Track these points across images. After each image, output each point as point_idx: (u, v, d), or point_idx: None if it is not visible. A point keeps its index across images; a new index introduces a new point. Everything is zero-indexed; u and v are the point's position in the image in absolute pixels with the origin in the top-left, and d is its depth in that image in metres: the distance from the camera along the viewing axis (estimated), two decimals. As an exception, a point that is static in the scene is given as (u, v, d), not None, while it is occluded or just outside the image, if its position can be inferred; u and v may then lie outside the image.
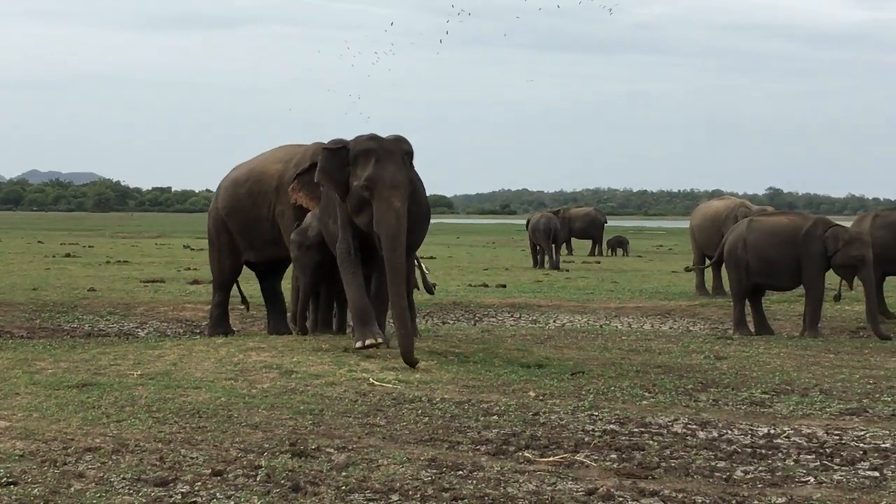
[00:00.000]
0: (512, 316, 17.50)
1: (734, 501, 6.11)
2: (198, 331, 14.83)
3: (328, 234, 11.80)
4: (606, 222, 40.99)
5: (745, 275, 15.11)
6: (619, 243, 41.52)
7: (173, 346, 11.73)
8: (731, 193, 34.06)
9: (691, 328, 16.32)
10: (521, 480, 6.47)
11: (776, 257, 14.89)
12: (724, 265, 15.99)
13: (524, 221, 33.20)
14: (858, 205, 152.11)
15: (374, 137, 11.07)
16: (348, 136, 12.45)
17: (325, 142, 12.92)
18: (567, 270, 29.15)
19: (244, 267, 14.10)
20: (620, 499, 6.14)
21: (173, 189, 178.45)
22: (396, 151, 10.99)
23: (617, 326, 16.26)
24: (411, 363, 10.35)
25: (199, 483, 6.25)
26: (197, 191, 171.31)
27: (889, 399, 9.64)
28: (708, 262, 22.00)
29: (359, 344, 10.89)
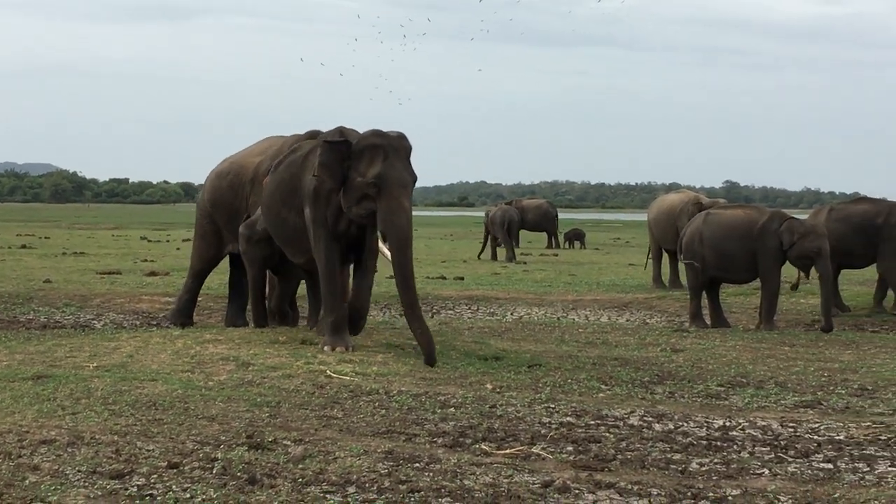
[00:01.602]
0: (469, 308, 17.50)
1: (689, 493, 6.14)
2: (154, 322, 14.78)
3: (281, 226, 11.64)
4: (557, 215, 41.01)
5: (701, 268, 15.16)
6: (576, 236, 41.61)
7: (130, 337, 11.68)
8: (688, 186, 34.32)
9: (648, 321, 16.37)
10: (477, 473, 6.48)
11: (732, 251, 14.94)
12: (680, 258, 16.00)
13: (483, 213, 33.17)
14: (814, 198, 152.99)
15: (380, 133, 10.94)
16: (312, 127, 12.59)
17: (302, 133, 12.97)
18: (525, 263, 29.19)
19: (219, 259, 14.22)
20: (577, 491, 6.16)
21: (130, 180, 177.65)
22: (402, 149, 10.93)
23: (574, 319, 16.29)
24: (432, 363, 10.38)
25: (156, 476, 6.23)
26: (154, 182, 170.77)
27: (843, 392, 9.71)
28: (665, 254, 22.12)
29: (327, 349, 10.81)
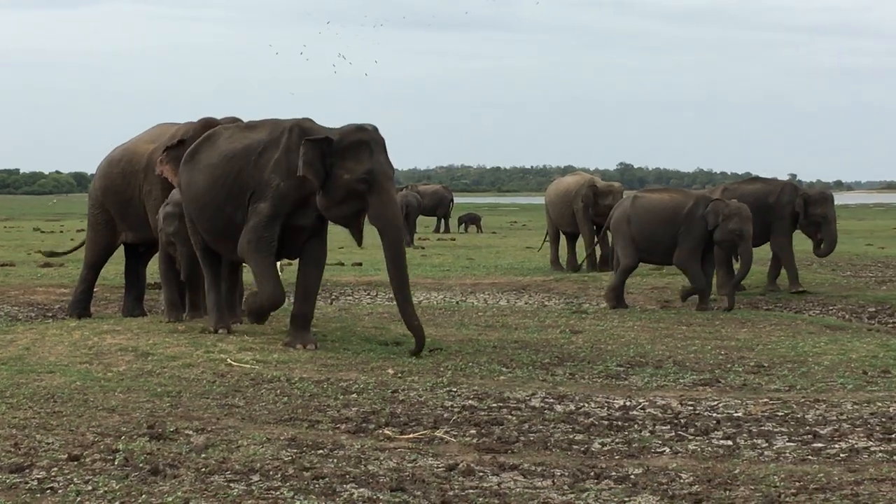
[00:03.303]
0: (368, 294, 17.49)
1: (592, 473, 6.19)
2: (50, 314, 14.60)
3: (220, 221, 11.03)
4: (453, 200, 41.07)
5: (631, 249, 15.21)
6: (471, 220, 41.69)
7: (25, 330, 11.54)
8: (583, 169, 34.48)
9: (547, 303, 16.45)
10: (381, 458, 6.49)
11: (659, 234, 15.03)
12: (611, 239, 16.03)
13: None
14: (707, 179, 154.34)
15: (362, 128, 10.68)
16: (204, 115, 12.48)
17: (206, 118, 12.82)
18: (422, 248, 29.21)
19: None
20: (481, 473, 6.19)
21: (21, 171, 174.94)
22: (381, 141, 10.72)
23: (473, 303, 16.33)
24: (417, 354, 10.32)
25: (56, 468, 6.17)
26: (46, 172, 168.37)
27: (740, 369, 9.85)
28: (563, 237, 22.24)
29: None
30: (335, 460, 6.43)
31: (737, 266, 16.01)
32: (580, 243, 21.83)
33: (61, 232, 37.90)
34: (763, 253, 17.65)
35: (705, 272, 14.97)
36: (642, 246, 15.18)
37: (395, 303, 16.02)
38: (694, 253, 14.86)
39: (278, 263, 11.59)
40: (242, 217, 10.83)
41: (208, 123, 12.74)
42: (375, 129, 10.73)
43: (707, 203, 14.98)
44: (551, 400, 8.40)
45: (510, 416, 7.76)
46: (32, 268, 21.16)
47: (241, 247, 10.77)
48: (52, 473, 6.08)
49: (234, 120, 12.76)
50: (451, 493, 5.80)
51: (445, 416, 7.76)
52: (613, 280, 15.40)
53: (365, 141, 10.58)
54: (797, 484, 5.97)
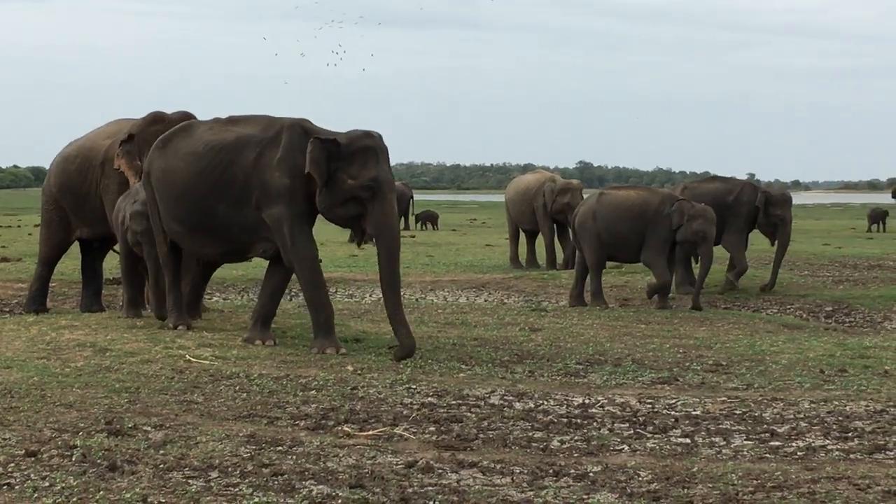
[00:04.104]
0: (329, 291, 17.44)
1: (552, 471, 6.20)
2: (7, 310, 14.51)
3: (202, 215, 10.87)
4: (413, 197, 41.08)
5: (597, 246, 15.24)
6: (429, 218, 41.69)
7: (-18, 325, 11.46)
8: (543, 167, 34.52)
9: (506, 301, 16.48)
10: (340, 455, 6.48)
11: (625, 232, 15.07)
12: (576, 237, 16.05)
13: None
14: (666, 178, 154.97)
15: (370, 135, 10.62)
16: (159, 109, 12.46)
17: (155, 112, 12.78)
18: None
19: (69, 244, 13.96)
20: (440, 470, 6.19)
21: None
22: (386, 150, 10.68)
23: (433, 300, 16.34)
24: (400, 359, 10.07)
25: (13, 464, 6.13)
26: (4, 167, 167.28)
27: (698, 368, 9.89)
28: (522, 234, 22.30)
29: (330, 350, 10.34)
30: (294, 457, 6.42)
31: (695, 266, 16.08)
32: (539, 241, 21.89)
33: (19, 226, 37.67)
34: (722, 252, 17.73)
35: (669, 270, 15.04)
36: (608, 242, 15.21)
37: (354, 300, 16.11)
38: (661, 251, 14.91)
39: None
40: (225, 211, 10.76)
41: (157, 118, 12.74)
42: (380, 137, 10.70)
43: (673, 202, 15.03)
44: (510, 398, 8.41)
45: (469, 414, 7.76)
46: (-11, 262, 21.02)
47: (289, 261, 10.62)
48: (9, 469, 6.04)
49: (185, 114, 12.75)
50: (410, 490, 5.80)
51: (405, 413, 7.76)
52: (592, 284, 15.36)
53: (372, 148, 10.53)
54: (755, 482, 5.99)
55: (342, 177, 10.40)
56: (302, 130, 10.65)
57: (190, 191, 10.92)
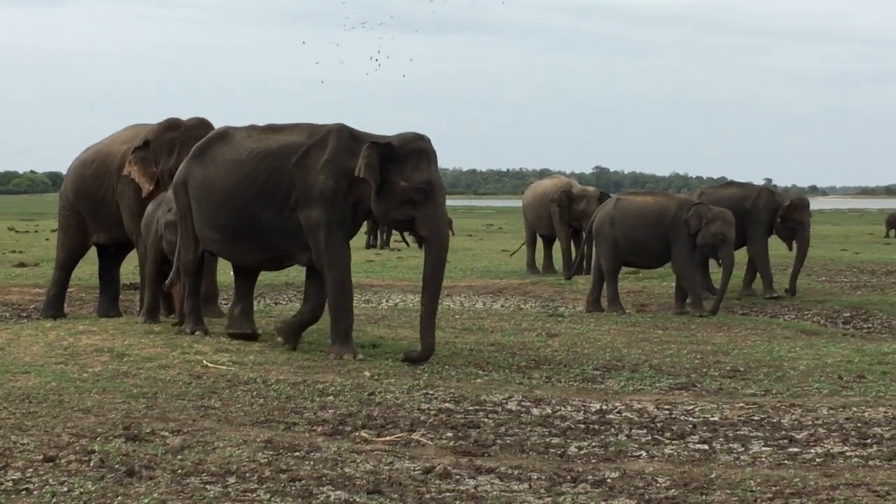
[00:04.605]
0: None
1: (569, 477, 6.20)
2: (25, 315, 14.54)
3: (243, 222, 10.72)
4: None
5: (614, 252, 15.21)
6: (444, 223, 41.56)
7: (0, 330, 11.48)
8: (560, 172, 34.47)
9: (522, 306, 16.46)
10: (358, 460, 6.49)
11: (643, 237, 15.04)
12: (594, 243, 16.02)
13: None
14: (682, 183, 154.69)
15: (422, 137, 10.57)
16: (178, 115, 12.48)
17: (171, 119, 12.81)
18: (399, 250, 29.20)
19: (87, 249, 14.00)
20: (457, 476, 6.19)
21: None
22: (435, 152, 10.63)
23: (449, 305, 16.32)
24: (412, 363, 10.08)
25: (31, 469, 6.15)
26: (21, 172, 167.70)
27: (716, 374, 9.86)
28: (539, 239, 22.30)
29: (334, 356, 10.29)
30: (312, 462, 6.42)
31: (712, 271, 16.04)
32: (556, 246, 21.88)
33: (36, 232, 37.77)
34: (739, 257, 17.68)
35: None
36: (625, 248, 15.18)
37: (371, 305, 16.11)
38: (688, 258, 14.88)
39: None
40: (269, 216, 10.66)
41: (172, 124, 12.77)
42: (430, 140, 10.66)
43: (690, 207, 15.00)
44: (528, 403, 8.41)
45: (487, 420, 7.76)
46: (7, 268, 21.10)
47: (319, 263, 10.52)
48: (28, 474, 6.06)
49: (201, 121, 12.78)
50: (427, 495, 5.80)
51: (422, 418, 7.76)
52: (608, 289, 15.32)
53: (424, 150, 10.50)
54: (773, 488, 5.99)
55: (395, 179, 10.34)
56: (350, 134, 10.60)
57: (232, 198, 10.80)
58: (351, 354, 10.28)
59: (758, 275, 17.57)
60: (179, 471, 6.17)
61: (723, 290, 15.06)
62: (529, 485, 6.07)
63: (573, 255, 21.07)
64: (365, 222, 12.49)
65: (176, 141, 12.62)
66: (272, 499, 5.68)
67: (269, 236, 10.75)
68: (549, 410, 8.16)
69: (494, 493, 5.90)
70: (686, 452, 6.90)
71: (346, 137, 10.57)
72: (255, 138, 10.93)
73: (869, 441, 7.23)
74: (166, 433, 7.07)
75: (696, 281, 14.98)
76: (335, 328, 10.52)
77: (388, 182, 10.34)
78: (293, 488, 5.88)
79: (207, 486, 5.89)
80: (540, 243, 22.44)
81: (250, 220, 10.73)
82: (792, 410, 8.19)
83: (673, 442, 7.20)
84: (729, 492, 5.93)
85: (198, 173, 11.04)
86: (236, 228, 10.85)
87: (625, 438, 7.27)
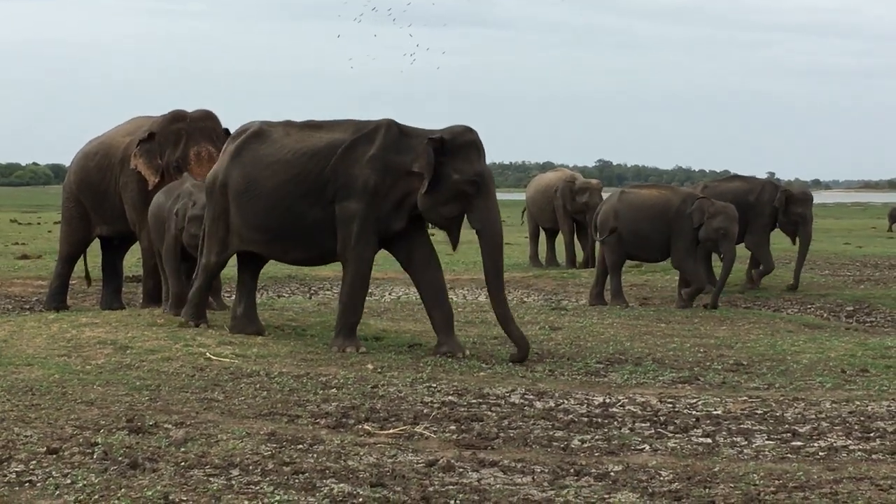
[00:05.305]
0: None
1: (572, 470, 6.19)
2: (28, 307, 14.55)
3: (290, 220, 10.59)
4: None
5: (618, 245, 15.19)
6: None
7: (3, 322, 11.50)
8: (562, 165, 34.43)
9: (526, 299, 16.45)
10: (361, 453, 6.49)
11: (647, 231, 15.02)
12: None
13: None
14: (685, 176, 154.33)
15: (471, 129, 10.51)
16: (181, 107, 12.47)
17: (176, 111, 12.81)
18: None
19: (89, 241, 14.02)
20: (461, 469, 6.19)
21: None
22: (483, 145, 10.59)
23: (452, 298, 16.26)
24: (522, 360, 10.01)
25: (35, 462, 6.15)
26: (24, 164, 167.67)
27: (719, 367, 9.86)
28: (542, 232, 22.30)
29: (336, 349, 10.26)
30: (315, 455, 6.43)
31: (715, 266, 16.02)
32: (559, 239, 21.89)
33: (38, 224, 37.78)
34: (742, 251, 17.68)
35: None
36: (629, 242, 15.17)
37: (373, 298, 16.10)
38: (689, 252, 14.87)
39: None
40: (316, 215, 10.52)
41: (177, 116, 12.76)
42: (477, 132, 10.60)
43: (694, 201, 14.99)
44: (531, 396, 8.41)
45: (490, 413, 7.76)
46: (10, 260, 21.13)
47: (342, 253, 10.47)
48: (31, 466, 6.06)
49: (206, 112, 12.78)
50: (431, 488, 5.80)
51: (425, 411, 7.76)
52: (611, 283, 15.30)
53: (475, 142, 10.46)
54: (776, 482, 5.98)
55: (447, 172, 10.25)
56: (398, 130, 10.51)
57: (280, 199, 10.61)
58: (354, 347, 10.25)
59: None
60: (183, 463, 6.17)
61: (721, 284, 15.04)
62: (533, 478, 6.07)
63: (576, 247, 21.07)
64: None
65: (182, 132, 12.61)
66: (275, 491, 5.68)
67: (314, 234, 10.61)
68: (552, 404, 8.16)
69: (498, 486, 5.90)
70: (689, 446, 6.90)
71: (395, 133, 10.48)
72: (295, 136, 10.77)
73: (872, 435, 7.23)
74: (170, 425, 7.08)
75: (698, 273, 14.96)
76: (342, 321, 10.48)
77: (440, 176, 10.25)
78: (296, 481, 5.88)
79: (211, 479, 5.90)
80: (543, 236, 22.44)
81: (297, 220, 10.60)
82: (795, 404, 8.19)
83: (676, 435, 7.20)
84: (732, 485, 5.93)
85: (238, 174, 10.79)
86: (283, 228, 10.68)
87: (628, 432, 7.27)
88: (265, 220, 10.71)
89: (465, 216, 10.53)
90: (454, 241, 10.81)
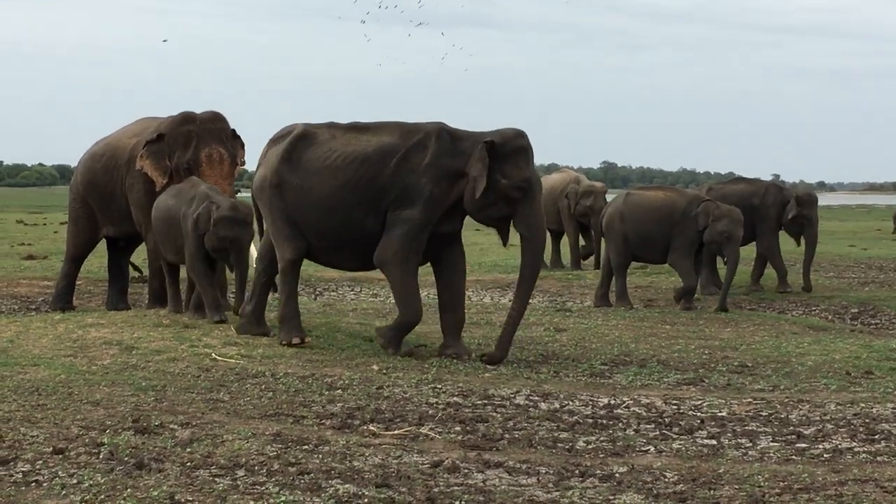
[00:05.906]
0: (352, 290, 17.48)
1: (577, 471, 6.20)
2: (34, 307, 14.57)
3: (348, 228, 10.47)
4: None
5: (623, 247, 15.20)
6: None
7: (9, 322, 11.50)
8: (567, 167, 34.39)
9: (530, 301, 16.41)
10: (366, 454, 6.50)
11: (653, 233, 15.02)
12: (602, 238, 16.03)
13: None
14: (690, 178, 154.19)
15: (522, 134, 10.46)
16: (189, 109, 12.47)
17: (185, 112, 12.81)
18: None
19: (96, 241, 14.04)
20: (466, 470, 6.20)
21: (4, 163, 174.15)
22: (533, 149, 10.56)
23: (457, 299, 16.29)
24: (492, 364, 10.00)
25: (41, 462, 6.17)
26: (29, 165, 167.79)
27: (724, 369, 9.87)
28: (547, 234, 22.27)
29: (385, 345, 10.33)
30: (320, 456, 6.44)
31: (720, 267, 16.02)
32: (564, 241, 21.87)
33: (44, 224, 37.79)
34: (746, 252, 17.68)
35: (696, 272, 15.01)
36: (634, 243, 15.17)
37: (378, 299, 16.11)
38: (687, 253, 14.87)
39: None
40: (374, 222, 10.39)
41: (186, 118, 12.73)
42: (528, 136, 10.57)
43: (699, 203, 14.99)
44: (536, 398, 8.42)
45: (495, 414, 7.77)
46: (16, 260, 21.13)
47: (383, 256, 10.34)
48: (37, 467, 6.08)
49: (215, 114, 12.77)
50: (436, 489, 5.81)
51: (430, 412, 7.77)
52: (617, 284, 15.30)
53: (525, 147, 10.43)
54: (781, 484, 5.99)
55: (496, 177, 10.21)
56: (450, 135, 10.44)
57: (337, 206, 10.48)
58: (394, 350, 10.29)
59: (761, 271, 17.56)
60: (188, 463, 6.18)
61: (726, 287, 15.03)
62: (537, 479, 6.08)
63: (582, 249, 21.06)
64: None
65: (192, 134, 12.58)
66: (281, 492, 5.70)
67: (370, 242, 10.45)
68: (557, 405, 8.17)
69: (503, 487, 5.91)
70: (694, 447, 6.91)
71: (447, 139, 10.40)
72: (342, 140, 10.61)
73: (877, 437, 7.24)
74: (175, 426, 7.09)
75: (691, 272, 14.95)
76: (396, 321, 10.55)
77: (490, 179, 10.20)
78: (302, 481, 5.89)
79: (216, 479, 5.91)
80: (548, 238, 22.42)
81: (354, 228, 10.48)
82: (800, 406, 8.20)
83: (681, 437, 7.21)
84: (737, 487, 5.94)
85: (292, 179, 10.60)
86: (341, 236, 10.58)
87: (633, 433, 7.28)
88: (324, 228, 10.57)
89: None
90: (504, 239, 10.87)
